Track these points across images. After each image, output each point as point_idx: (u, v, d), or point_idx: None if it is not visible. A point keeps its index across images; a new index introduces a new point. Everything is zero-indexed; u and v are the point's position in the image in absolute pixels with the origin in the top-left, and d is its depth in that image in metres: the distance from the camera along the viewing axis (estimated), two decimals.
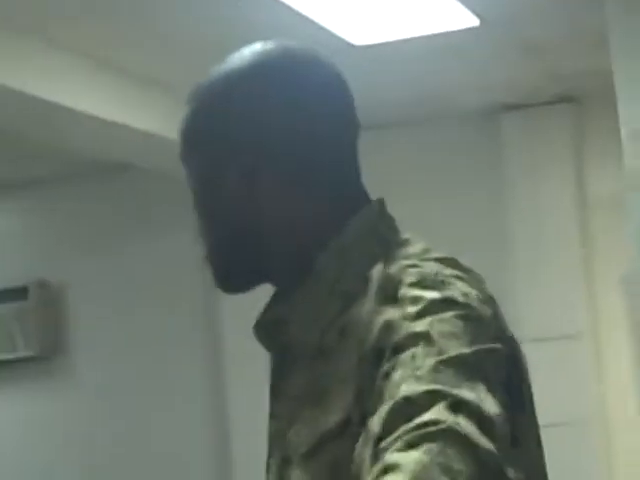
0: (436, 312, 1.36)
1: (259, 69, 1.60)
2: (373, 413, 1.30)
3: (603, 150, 6.39)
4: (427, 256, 1.51)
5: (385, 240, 1.57)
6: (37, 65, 5.15)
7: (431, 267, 1.46)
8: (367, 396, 1.38)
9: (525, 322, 6.19)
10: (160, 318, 7.32)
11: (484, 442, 1.17)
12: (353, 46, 5.36)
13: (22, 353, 7.52)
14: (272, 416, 1.60)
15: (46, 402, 7.56)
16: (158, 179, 7.00)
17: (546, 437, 1.54)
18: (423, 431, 1.17)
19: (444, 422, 1.17)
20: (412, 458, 1.13)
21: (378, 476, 1.13)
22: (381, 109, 5.72)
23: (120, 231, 7.52)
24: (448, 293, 1.40)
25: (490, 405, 1.24)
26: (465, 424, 1.18)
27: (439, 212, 6.52)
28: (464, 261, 1.54)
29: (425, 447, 1.14)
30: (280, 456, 1.53)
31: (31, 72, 5.11)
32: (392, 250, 1.54)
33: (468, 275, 1.48)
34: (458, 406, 1.21)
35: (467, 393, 1.24)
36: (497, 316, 1.46)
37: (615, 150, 4.98)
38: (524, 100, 6.62)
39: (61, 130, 5.76)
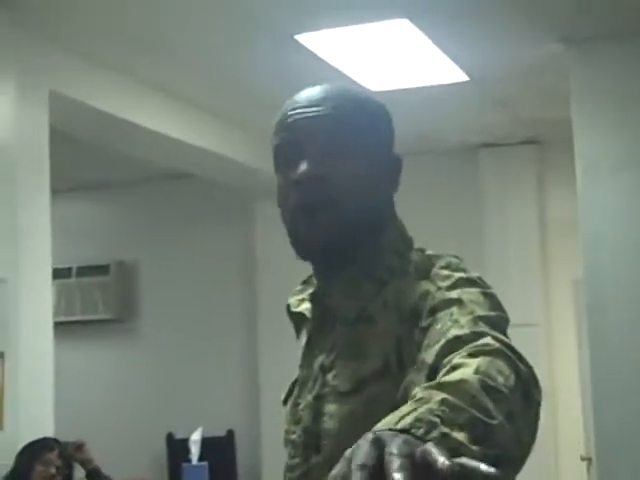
0: (463, 286, 1.41)
1: (381, 107, 1.63)
2: (413, 357, 1.35)
3: (560, 182, 6.37)
4: (441, 253, 1.55)
5: (409, 242, 1.59)
6: (123, 94, 5.18)
7: (451, 258, 1.52)
8: (404, 345, 1.41)
9: None
10: (210, 293, 7.36)
11: (520, 363, 1.20)
12: (370, 91, 5.36)
13: (102, 316, 7.55)
14: (302, 366, 1.59)
15: (119, 354, 7.59)
16: (212, 186, 7.02)
17: None
18: (480, 349, 1.19)
19: (494, 345, 1.20)
20: (475, 360, 1.15)
21: (448, 371, 1.14)
22: None
23: (181, 224, 7.54)
24: (470, 274, 1.46)
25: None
26: (506, 350, 1.21)
27: (427, 226, 6.48)
28: None
29: (483, 356, 1.16)
30: (312, 395, 1.52)
31: (119, 99, 5.14)
32: (412, 249, 1.57)
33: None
34: (498, 341, 1.23)
35: (501, 335, 1.28)
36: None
37: (570, 183, 4.97)
38: (498, 141, 6.60)
39: (140, 145, 5.78)
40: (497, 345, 1.20)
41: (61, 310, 7.29)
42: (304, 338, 1.64)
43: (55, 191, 4.73)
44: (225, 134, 6.11)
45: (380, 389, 1.42)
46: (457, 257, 1.55)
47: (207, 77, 5.23)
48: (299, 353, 1.66)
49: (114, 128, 5.32)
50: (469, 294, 1.39)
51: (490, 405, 1.05)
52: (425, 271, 1.49)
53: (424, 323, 1.38)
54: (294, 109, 1.56)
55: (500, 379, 1.11)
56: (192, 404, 7.13)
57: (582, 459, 6.07)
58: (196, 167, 6.48)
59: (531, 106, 5.86)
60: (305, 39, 4.55)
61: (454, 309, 1.35)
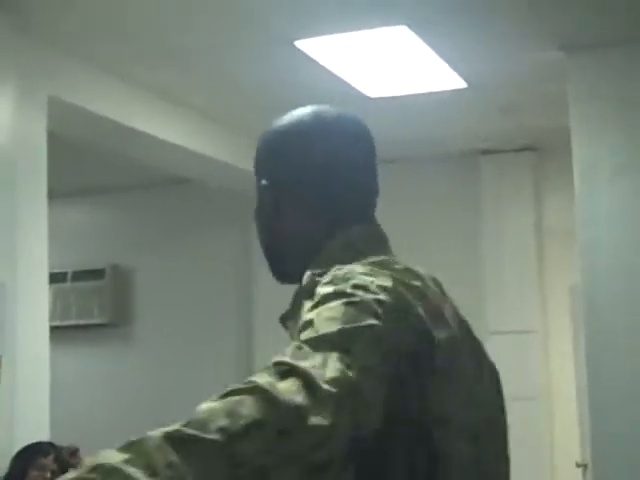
0: (324, 303, 1.26)
1: (296, 129, 1.58)
2: None
3: (557, 189, 6.40)
4: (364, 261, 1.39)
5: (355, 252, 1.46)
6: (122, 99, 5.18)
7: (351, 268, 1.35)
8: None
9: (491, 319, 6.25)
10: (206, 298, 7.35)
11: (285, 397, 1.08)
12: (369, 98, 5.38)
13: (97, 320, 7.55)
14: None
15: (113, 358, 7.59)
16: (208, 191, 7.03)
17: None
18: (236, 387, 1.11)
19: (255, 382, 1.10)
20: (206, 405, 1.10)
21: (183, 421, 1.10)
22: (387, 147, 5.73)
23: (177, 229, 7.55)
24: (341, 287, 1.28)
25: (329, 370, 1.13)
26: (281, 385, 1.10)
27: (425, 231, 6.53)
28: (444, 268, 1.51)
29: (226, 398, 1.09)
30: None
31: (117, 104, 5.14)
32: (351, 260, 1.43)
33: (392, 272, 1.35)
34: (289, 372, 1.11)
35: (303, 362, 1.13)
36: (410, 302, 1.30)
37: (567, 190, 4.99)
38: (498, 147, 6.61)
39: (137, 150, 5.78)
40: (258, 382, 1.09)
41: (57, 314, 7.29)
42: None
43: (52, 195, 4.73)
44: (223, 139, 6.11)
45: None
46: (383, 262, 1.41)
47: (206, 82, 5.24)
48: None
49: (112, 133, 5.32)
50: (326, 311, 1.24)
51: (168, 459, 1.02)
52: (313, 288, 1.36)
53: None
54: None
55: (220, 423, 1.05)
56: (187, 409, 7.11)
57: (577, 465, 6.08)
58: (193, 172, 6.49)
59: (529, 113, 5.88)
60: (304, 45, 4.57)
61: (304, 332, 1.22)
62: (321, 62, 4.80)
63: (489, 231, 6.61)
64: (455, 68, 5.00)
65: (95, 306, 7.54)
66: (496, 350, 1.87)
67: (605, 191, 4.69)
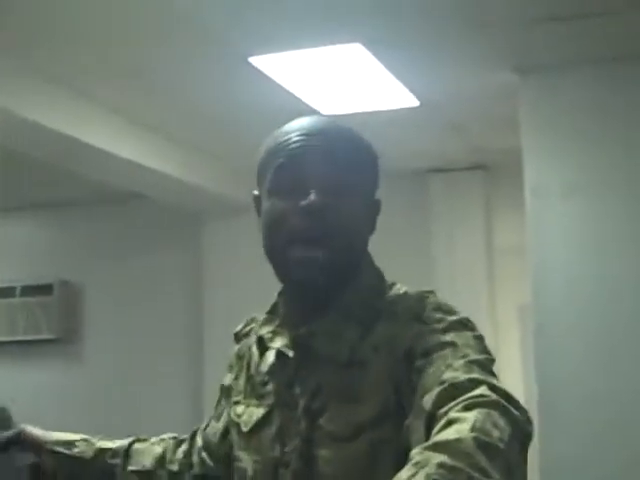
0: (456, 329, 1.46)
1: (367, 145, 1.67)
2: (411, 399, 1.36)
3: (507, 208, 6.44)
4: (420, 290, 1.57)
5: (384, 280, 1.63)
6: (74, 112, 5.14)
7: (436, 299, 1.55)
8: (403, 389, 1.42)
9: None
10: (155, 314, 7.31)
11: (515, 412, 1.21)
12: (321, 115, 5.37)
13: (45, 336, 7.47)
14: (280, 405, 1.57)
15: (60, 375, 7.52)
16: (160, 208, 6.99)
17: None
18: (475, 400, 1.20)
19: (490, 396, 1.22)
20: (471, 415, 1.15)
21: (444, 426, 1.14)
22: None
23: (127, 245, 7.50)
24: (461, 317, 1.51)
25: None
26: (502, 400, 1.22)
27: (377, 248, 6.50)
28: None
29: (478, 409, 1.17)
30: (301, 439, 1.50)
31: (67, 117, 5.10)
32: (387, 287, 1.61)
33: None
34: (493, 389, 1.25)
35: (495, 381, 1.30)
36: None
37: (517, 209, 5.02)
38: (447, 166, 6.65)
39: (86, 164, 5.73)
40: (493, 397, 1.22)
41: (4, 330, 7.20)
42: (246, 372, 1.67)
43: (1, 210, 4.68)
44: (175, 155, 6.09)
45: (380, 434, 1.43)
46: (432, 291, 1.58)
47: (159, 97, 5.21)
48: (240, 385, 1.68)
49: (63, 147, 5.26)
50: (462, 337, 1.44)
51: (487, 464, 1.05)
52: (414, 313, 1.50)
53: (418, 364, 1.40)
54: (299, 134, 1.55)
55: (496, 433, 1.12)
56: (136, 426, 7.06)
57: None
58: (145, 188, 6.44)
59: (481, 132, 5.92)
60: (258, 61, 4.56)
61: (448, 352, 1.38)
62: (274, 79, 4.79)
63: (439, 250, 6.62)
64: (408, 86, 5.02)
65: (43, 321, 7.45)
66: None
67: (556, 211, 4.72)
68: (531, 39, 4.44)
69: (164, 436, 1.96)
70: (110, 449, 1.91)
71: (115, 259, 7.50)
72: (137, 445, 1.93)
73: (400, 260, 6.63)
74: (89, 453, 1.90)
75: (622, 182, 4.64)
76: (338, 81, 4.90)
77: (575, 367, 4.58)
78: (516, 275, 5.82)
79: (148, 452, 1.91)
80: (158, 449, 1.91)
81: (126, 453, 1.90)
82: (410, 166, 6.62)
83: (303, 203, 1.49)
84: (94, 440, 1.94)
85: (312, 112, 5.26)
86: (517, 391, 6.49)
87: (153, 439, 1.95)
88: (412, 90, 5.08)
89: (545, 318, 4.65)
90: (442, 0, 4.00)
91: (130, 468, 1.88)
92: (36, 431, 1.94)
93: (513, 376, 6.34)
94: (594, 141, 4.71)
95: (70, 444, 1.92)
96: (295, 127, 1.58)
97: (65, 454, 1.90)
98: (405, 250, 6.67)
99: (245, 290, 6.25)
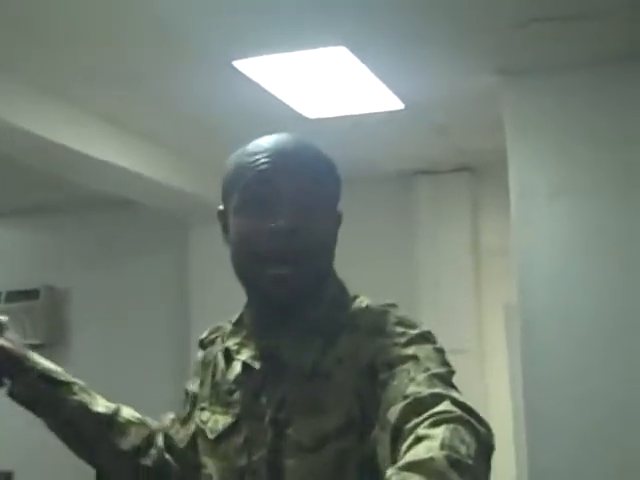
0: (418, 343, 1.48)
1: (334, 164, 1.73)
2: (376, 411, 1.38)
3: (493, 209, 6.46)
4: (382, 304, 1.61)
5: (348, 294, 1.65)
6: (62, 120, 5.13)
7: (397, 312, 1.58)
8: (366, 400, 1.45)
9: None
10: (140, 320, 7.29)
11: (479, 426, 1.23)
12: (307, 118, 5.39)
13: (31, 341, 7.43)
14: (246, 415, 1.60)
15: None
16: (145, 213, 6.98)
17: None
18: (441, 417, 1.22)
19: (454, 412, 1.24)
20: (439, 431, 1.18)
21: (413, 443, 1.17)
22: None
23: (113, 250, 7.48)
24: (422, 329, 1.54)
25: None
26: (465, 415, 1.24)
27: (360, 253, 6.53)
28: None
29: (445, 425, 1.19)
30: (267, 449, 1.53)
31: (57, 125, 5.09)
32: (350, 300, 1.63)
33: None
34: (456, 403, 1.28)
35: (456, 394, 1.33)
36: None
37: (503, 210, 5.04)
38: (433, 168, 6.66)
39: (74, 170, 5.72)
40: (457, 412, 1.24)
41: None
42: (211, 379, 1.71)
43: None
44: (161, 159, 6.08)
45: (345, 444, 1.46)
46: (394, 305, 1.61)
47: (146, 103, 5.20)
48: (205, 391, 1.72)
49: (49, 152, 5.25)
50: (423, 350, 1.46)
51: None
52: (377, 327, 1.53)
53: (381, 377, 1.43)
54: (266, 155, 1.57)
55: (464, 450, 1.15)
56: None
57: None
58: (131, 193, 6.42)
59: (466, 134, 5.93)
60: (242, 65, 4.56)
61: (410, 365, 1.41)
62: (259, 82, 4.79)
63: (425, 251, 6.64)
64: (393, 89, 5.03)
65: (29, 327, 7.43)
66: None
67: (541, 212, 4.74)
68: (514, 41, 4.45)
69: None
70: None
71: (101, 264, 7.48)
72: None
73: (386, 262, 6.67)
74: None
75: (607, 183, 4.67)
76: (323, 84, 4.91)
77: (562, 366, 4.59)
78: (502, 275, 5.84)
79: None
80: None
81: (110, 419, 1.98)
82: (396, 168, 6.63)
83: (272, 225, 1.52)
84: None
85: (296, 116, 5.27)
86: (503, 390, 6.52)
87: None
88: (397, 93, 5.09)
89: (531, 318, 4.67)
90: (426, 4, 4.01)
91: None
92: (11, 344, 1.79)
93: (499, 375, 6.36)
94: (578, 142, 4.73)
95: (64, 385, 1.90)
96: (262, 146, 1.60)
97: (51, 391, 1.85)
98: (391, 252, 6.68)
99: (231, 294, 6.23)
